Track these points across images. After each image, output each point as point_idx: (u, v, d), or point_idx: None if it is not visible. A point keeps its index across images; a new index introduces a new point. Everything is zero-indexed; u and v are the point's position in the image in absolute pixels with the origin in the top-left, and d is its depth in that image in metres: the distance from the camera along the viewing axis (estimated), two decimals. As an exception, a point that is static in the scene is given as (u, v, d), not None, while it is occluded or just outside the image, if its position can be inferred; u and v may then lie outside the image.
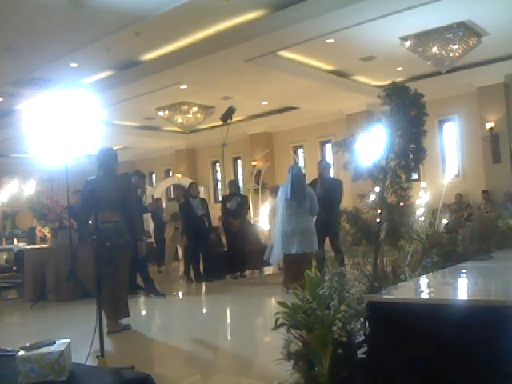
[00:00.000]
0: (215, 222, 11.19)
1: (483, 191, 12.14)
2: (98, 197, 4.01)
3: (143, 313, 6.78)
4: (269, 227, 10.35)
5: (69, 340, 2.27)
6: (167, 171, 19.85)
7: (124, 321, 5.18)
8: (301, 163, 15.17)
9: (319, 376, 2.66)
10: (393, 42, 9.32)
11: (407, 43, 9.20)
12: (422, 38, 9.00)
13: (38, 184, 14.43)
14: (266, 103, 13.94)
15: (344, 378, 2.61)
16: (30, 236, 9.65)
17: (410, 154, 2.99)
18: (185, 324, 5.92)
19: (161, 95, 11.80)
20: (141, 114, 14.28)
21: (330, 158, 14.20)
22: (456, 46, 8.88)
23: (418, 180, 11.12)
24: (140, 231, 5.60)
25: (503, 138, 12.05)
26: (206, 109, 13.21)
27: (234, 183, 9.89)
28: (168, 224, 9.56)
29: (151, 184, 19.49)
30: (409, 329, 2.44)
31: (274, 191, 9.42)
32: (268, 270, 9.63)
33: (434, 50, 8.98)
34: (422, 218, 4.80)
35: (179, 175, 16.85)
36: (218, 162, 18.03)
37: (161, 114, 13.18)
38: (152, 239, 11.18)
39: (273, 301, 6.68)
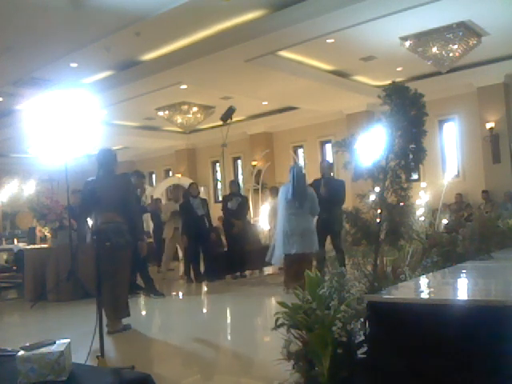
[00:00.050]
0: (215, 222, 11.20)
1: (483, 191, 12.14)
2: (98, 197, 4.01)
3: (143, 313, 6.77)
4: (269, 227, 10.36)
5: (69, 340, 2.27)
6: (167, 171, 19.86)
7: (124, 321, 5.18)
8: (301, 163, 15.17)
9: (319, 376, 2.66)
10: (393, 42, 9.32)
11: (407, 43, 9.20)
12: (422, 38, 9.00)
13: (38, 184, 14.44)
14: (266, 103, 13.94)
15: (344, 378, 2.61)
16: (30, 236, 9.66)
17: (410, 154, 2.99)
18: (185, 324, 5.92)
19: (161, 95, 11.80)
20: (141, 114, 14.28)
21: (330, 158, 14.19)
22: (456, 46, 8.88)
23: (418, 180, 11.13)
24: (140, 231, 5.60)
25: (503, 138, 12.05)
26: (206, 109, 13.22)
27: (235, 183, 9.88)
28: (167, 224, 9.54)
29: (151, 184, 19.51)
30: (409, 329, 2.44)
31: (274, 191, 9.43)
32: (268, 270, 9.64)
33: (434, 50, 8.98)
34: (422, 218, 4.80)
35: (179, 175, 16.85)
36: (217, 162, 18.03)
37: (161, 114, 13.18)
38: (152, 239, 11.19)
39: (273, 301, 6.69)
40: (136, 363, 3.61)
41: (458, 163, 13.20)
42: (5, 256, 10.58)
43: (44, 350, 2.15)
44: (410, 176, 3.09)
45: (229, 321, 6.20)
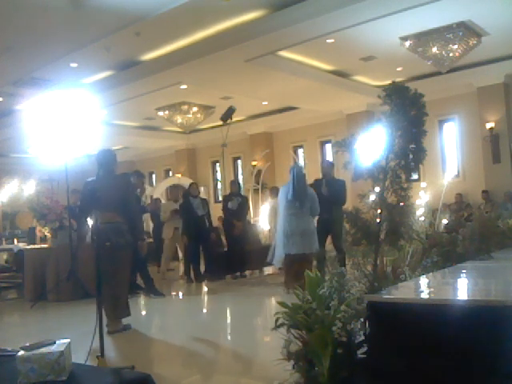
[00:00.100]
0: (215, 222, 11.19)
1: (483, 191, 12.14)
2: (98, 197, 4.02)
3: (143, 313, 6.77)
4: (269, 227, 10.36)
5: (69, 340, 2.27)
6: (167, 171, 19.86)
7: (124, 321, 5.18)
8: (301, 163, 15.17)
9: (319, 376, 2.66)
10: (393, 42, 9.32)
11: (407, 43, 9.20)
12: (422, 38, 9.00)
13: (38, 184, 14.41)
14: (266, 103, 13.94)
15: (344, 378, 2.61)
16: (30, 236, 9.65)
17: (410, 153, 2.99)
18: (185, 324, 5.91)
19: (161, 95, 11.81)
20: (141, 114, 14.28)
21: (330, 158, 14.20)
22: (456, 46, 8.88)
23: (418, 180, 11.13)
24: (140, 231, 5.61)
25: (503, 138, 12.05)
26: (206, 109, 13.22)
27: (235, 183, 9.87)
28: (166, 224, 9.53)
29: (151, 184, 19.51)
30: (409, 329, 2.44)
31: (274, 191, 9.43)
32: (268, 270, 9.63)
33: (434, 50, 8.98)
34: (422, 218, 4.80)
35: (179, 175, 16.86)
36: (217, 161, 18.03)
37: (161, 113, 13.18)
38: (152, 239, 11.18)
39: (273, 301, 6.69)
40: (136, 363, 3.62)
41: (458, 163, 13.20)
42: (5, 256, 10.58)
43: (44, 349, 2.15)
44: (410, 176, 3.09)
45: (229, 321, 6.20)
